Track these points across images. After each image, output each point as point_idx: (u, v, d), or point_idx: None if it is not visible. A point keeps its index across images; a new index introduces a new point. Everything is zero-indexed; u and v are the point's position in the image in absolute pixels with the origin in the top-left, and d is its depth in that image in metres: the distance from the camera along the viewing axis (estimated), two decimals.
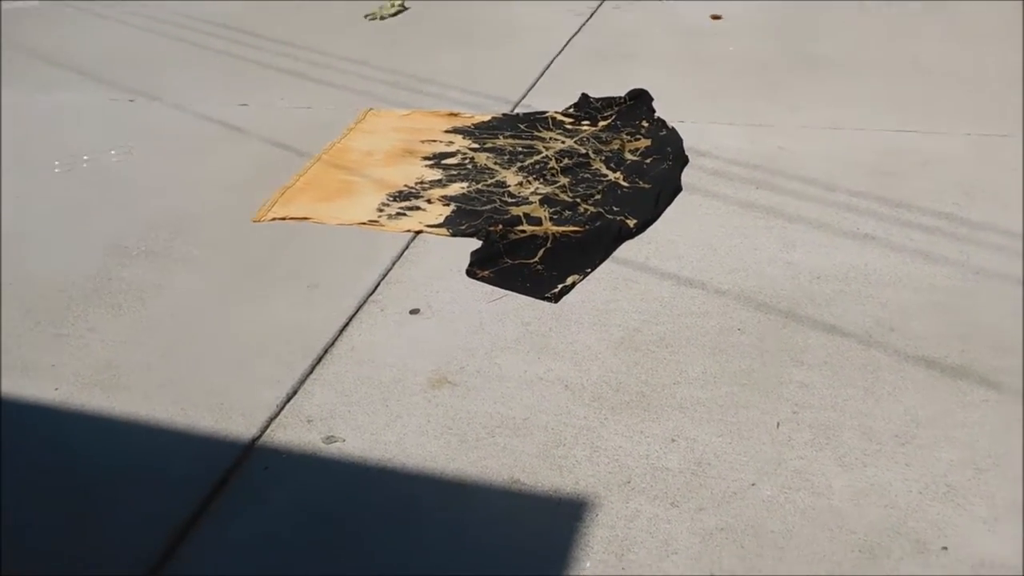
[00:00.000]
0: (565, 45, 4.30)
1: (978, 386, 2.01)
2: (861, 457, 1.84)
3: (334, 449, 1.95)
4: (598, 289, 2.45)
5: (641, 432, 1.95)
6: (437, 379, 2.15)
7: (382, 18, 4.96)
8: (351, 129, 3.53)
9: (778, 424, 1.95)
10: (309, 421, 2.04)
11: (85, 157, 3.48)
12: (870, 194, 2.81)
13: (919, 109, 3.38)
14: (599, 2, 4.92)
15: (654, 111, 3.50)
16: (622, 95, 3.60)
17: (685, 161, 3.10)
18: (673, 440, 1.92)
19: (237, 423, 2.04)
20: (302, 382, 2.16)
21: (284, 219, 2.90)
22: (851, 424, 1.93)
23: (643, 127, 3.36)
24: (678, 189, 2.93)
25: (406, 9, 5.08)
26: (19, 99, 4.18)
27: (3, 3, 5.99)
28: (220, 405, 2.10)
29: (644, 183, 2.95)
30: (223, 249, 2.77)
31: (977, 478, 1.77)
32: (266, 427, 2.02)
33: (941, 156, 3.02)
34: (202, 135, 3.61)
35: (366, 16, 4.99)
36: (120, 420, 2.08)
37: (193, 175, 3.27)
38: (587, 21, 4.63)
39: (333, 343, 2.29)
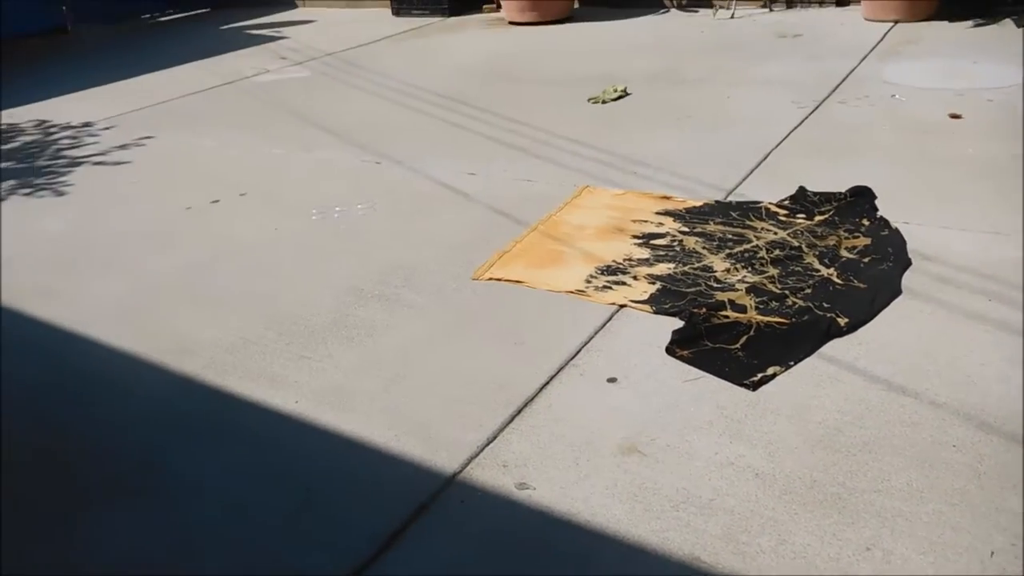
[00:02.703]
0: (785, 137, 4.30)
1: None
2: None
3: (524, 495, 2.07)
4: (800, 383, 2.41)
5: (833, 534, 1.88)
6: (628, 447, 2.20)
7: (604, 102, 5.23)
8: (567, 203, 3.74)
9: (992, 553, 1.80)
10: (504, 466, 2.17)
11: (337, 208, 3.96)
12: None
13: None
14: (824, 96, 4.88)
15: (876, 209, 3.40)
16: (842, 191, 3.54)
17: (907, 264, 2.98)
18: (868, 549, 1.84)
19: (442, 456, 2.22)
20: (502, 429, 2.31)
21: (500, 280, 3.12)
22: None
23: (863, 225, 3.27)
24: (897, 292, 2.82)
25: (628, 95, 5.32)
26: (290, 154, 4.84)
27: (281, 73, 6.96)
28: (429, 438, 2.29)
29: (859, 282, 2.87)
30: (444, 300, 3.04)
31: None
32: (466, 464, 2.18)
33: None
34: (433, 197, 3.98)
35: (589, 99, 5.28)
36: (343, 437, 2.34)
37: (423, 231, 3.62)
38: (810, 114, 4.60)
39: (533, 398, 2.43)
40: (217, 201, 4.22)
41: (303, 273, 3.36)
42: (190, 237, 3.82)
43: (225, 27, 9.55)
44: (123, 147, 5.29)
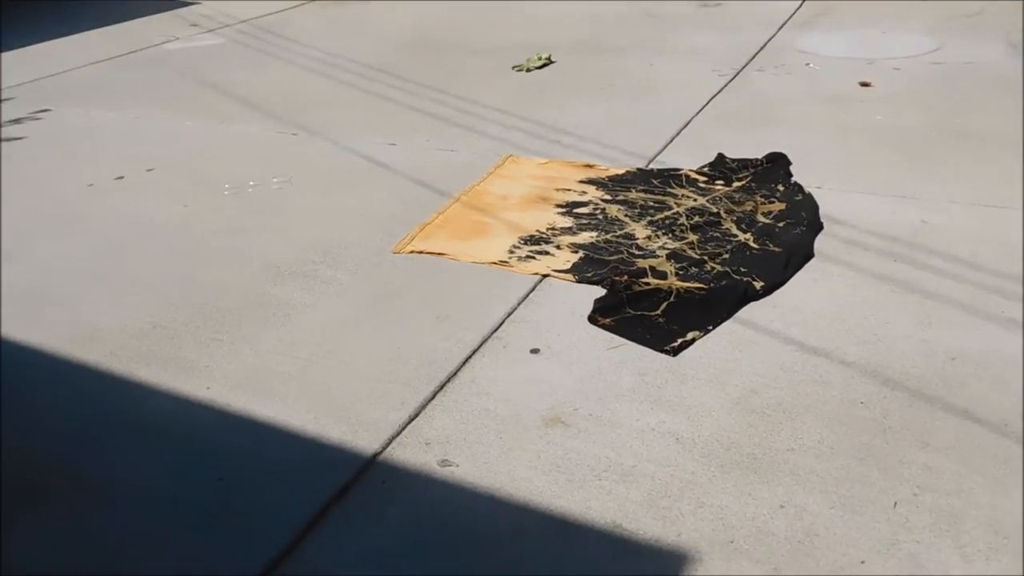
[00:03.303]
0: (705, 105, 4.35)
1: None
2: (984, 550, 1.75)
3: (447, 472, 2.05)
4: (718, 347, 2.45)
5: (749, 494, 1.93)
6: (551, 418, 2.21)
7: (528, 70, 5.18)
8: (490, 173, 3.70)
9: (895, 504, 1.88)
10: (427, 444, 2.15)
11: (251, 183, 3.83)
12: (1020, 277, 2.67)
13: None
14: (743, 65, 4.95)
15: (791, 175, 3.48)
16: (759, 157, 3.60)
17: (820, 228, 3.06)
18: (782, 506, 1.89)
19: (362, 437, 2.17)
20: (424, 407, 2.28)
21: (421, 253, 3.07)
22: (976, 514, 1.84)
23: (778, 190, 3.34)
24: (810, 255, 2.90)
25: (552, 63, 5.29)
26: (201, 127, 4.65)
27: (192, 41, 6.67)
28: (348, 419, 2.25)
29: (774, 246, 2.93)
30: (364, 276, 2.97)
31: None
32: (387, 444, 2.15)
33: None
34: (353, 169, 3.88)
35: (513, 67, 5.23)
36: (259, 422, 2.26)
37: (342, 206, 3.53)
38: (729, 82, 4.67)
39: (456, 373, 2.40)
40: (122, 178, 4.02)
41: (215, 252, 3.23)
42: (92, 217, 3.63)
43: None
44: (17, 121, 4.98)
